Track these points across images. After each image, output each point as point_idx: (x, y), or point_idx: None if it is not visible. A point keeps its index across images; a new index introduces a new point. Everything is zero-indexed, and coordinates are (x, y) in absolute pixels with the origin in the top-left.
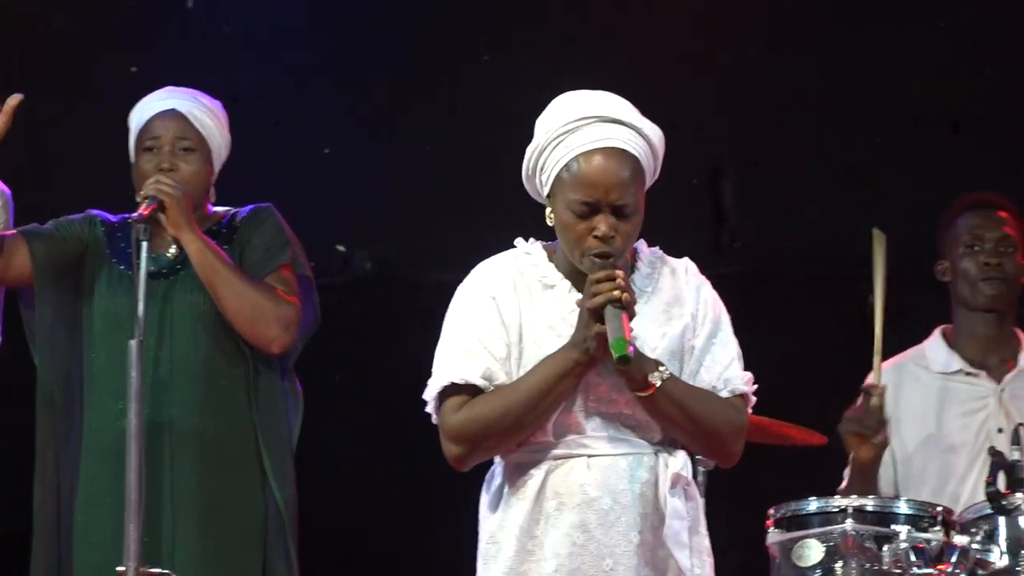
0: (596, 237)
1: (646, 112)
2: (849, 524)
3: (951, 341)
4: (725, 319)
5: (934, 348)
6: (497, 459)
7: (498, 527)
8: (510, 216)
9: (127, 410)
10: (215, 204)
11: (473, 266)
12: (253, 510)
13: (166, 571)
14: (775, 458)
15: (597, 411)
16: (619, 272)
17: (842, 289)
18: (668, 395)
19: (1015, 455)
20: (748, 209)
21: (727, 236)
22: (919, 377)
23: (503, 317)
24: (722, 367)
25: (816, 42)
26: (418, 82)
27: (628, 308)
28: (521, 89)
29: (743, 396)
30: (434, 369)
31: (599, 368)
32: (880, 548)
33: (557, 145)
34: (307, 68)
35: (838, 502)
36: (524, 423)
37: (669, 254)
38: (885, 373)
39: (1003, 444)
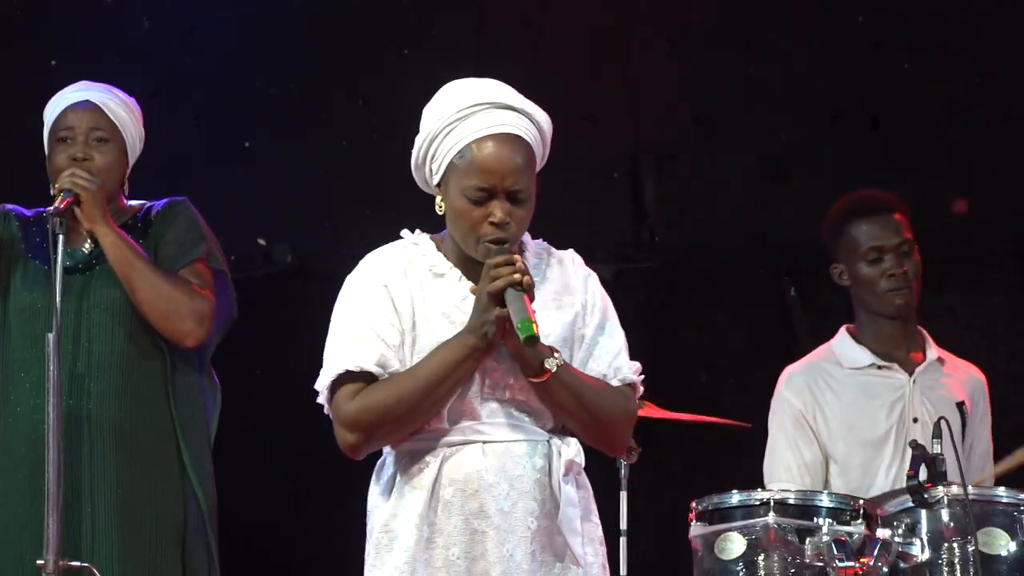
0: (492, 223)
1: (566, 108)
2: (771, 517)
3: (857, 338)
4: (612, 310)
5: (842, 345)
6: (387, 448)
7: (392, 516)
8: (430, 211)
9: (46, 403)
10: (129, 198)
11: None
12: (172, 505)
13: (86, 564)
14: (699, 451)
15: (492, 397)
16: (517, 256)
17: (762, 283)
18: (562, 381)
19: (936, 448)
20: (668, 204)
21: (647, 231)
22: (833, 374)
23: (396, 304)
24: (612, 356)
25: (736, 36)
26: (338, 76)
27: (529, 291)
28: (440, 84)
29: (632, 385)
30: (326, 358)
31: (495, 354)
32: (802, 541)
33: (450, 132)
34: (227, 62)
35: (760, 495)
36: (421, 410)
37: (590, 249)
38: (798, 375)
39: (919, 435)
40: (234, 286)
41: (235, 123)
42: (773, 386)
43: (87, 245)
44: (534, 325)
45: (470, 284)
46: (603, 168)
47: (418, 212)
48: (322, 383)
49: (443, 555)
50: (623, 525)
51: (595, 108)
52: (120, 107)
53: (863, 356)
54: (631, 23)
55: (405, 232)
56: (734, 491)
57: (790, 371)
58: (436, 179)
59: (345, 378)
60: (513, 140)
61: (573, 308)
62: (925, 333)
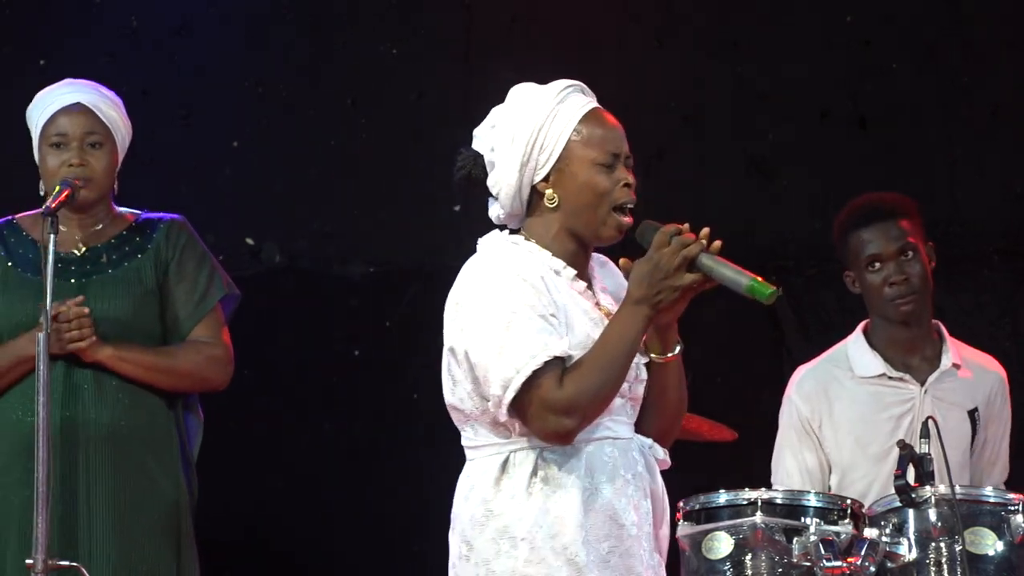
0: (626, 185)
1: None
2: (759, 517)
3: (871, 342)
4: None
5: (856, 350)
6: (516, 445)
7: (543, 512)
8: (417, 209)
9: (35, 402)
10: (119, 200)
11: (381, 258)
12: (168, 510)
13: (75, 563)
14: (684, 451)
15: (618, 392)
16: (683, 225)
17: None
18: (679, 364)
19: (924, 448)
20: (656, 203)
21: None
22: (843, 381)
23: (553, 297)
24: None
25: (723, 34)
26: (325, 75)
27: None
28: (430, 82)
29: None
30: (505, 352)
31: None
32: (790, 541)
33: (556, 116)
34: (215, 62)
35: (747, 495)
36: (618, 387)
37: None
38: (809, 378)
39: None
40: None
41: (224, 122)
42: (761, 385)
43: (80, 249)
44: (760, 276)
45: (582, 282)
46: None
47: (405, 211)
48: (521, 375)
49: (596, 550)
50: None
51: None
52: (110, 107)
53: (875, 365)
54: (620, 22)
55: (495, 234)
56: (721, 490)
57: (801, 372)
58: (547, 169)
59: (544, 367)
60: (609, 113)
61: None
62: (943, 331)
